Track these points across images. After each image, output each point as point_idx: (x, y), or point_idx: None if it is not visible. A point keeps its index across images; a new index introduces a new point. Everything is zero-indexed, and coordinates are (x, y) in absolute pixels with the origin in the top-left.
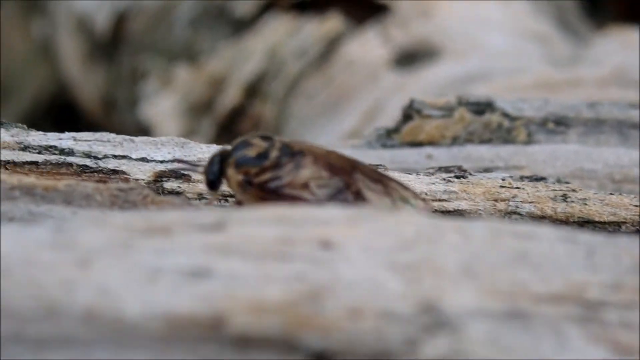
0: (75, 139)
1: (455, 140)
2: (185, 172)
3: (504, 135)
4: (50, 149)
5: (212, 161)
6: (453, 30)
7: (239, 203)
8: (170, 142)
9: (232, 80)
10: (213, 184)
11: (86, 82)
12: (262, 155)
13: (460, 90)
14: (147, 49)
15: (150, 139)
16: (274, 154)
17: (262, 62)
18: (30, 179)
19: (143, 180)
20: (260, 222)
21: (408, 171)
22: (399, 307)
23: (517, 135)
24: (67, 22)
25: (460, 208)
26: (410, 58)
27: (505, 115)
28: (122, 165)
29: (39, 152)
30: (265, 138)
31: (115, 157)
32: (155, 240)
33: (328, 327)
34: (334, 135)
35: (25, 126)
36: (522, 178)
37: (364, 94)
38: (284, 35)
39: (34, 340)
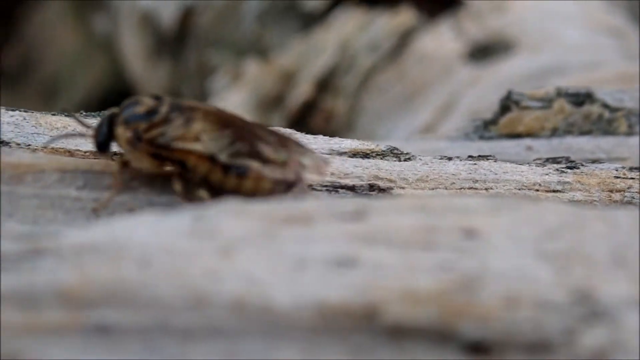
0: None
1: (554, 132)
2: (76, 136)
3: (604, 126)
4: None
5: (101, 123)
6: (527, 24)
7: (125, 164)
8: None
9: (303, 74)
10: (102, 145)
11: (150, 78)
12: (152, 112)
13: (535, 85)
14: (215, 43)
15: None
16: (163, 109)
17: (334, 57)
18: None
19: None
20: (401, 210)
21: (513, 162)
22: (553, 297)
23: (618, 126)
24: (131, 18)
25: (575, 199)
26: (484, 52)
27: (606, 106)
28: None
29: None
30: (154, 97)
31: None
32: (297, 230)
33: (484, 317)
34: (407, 129)
35: None
36: (631, 169)
37: (437, 88)
38: (355, 29)
39: (181, 330)
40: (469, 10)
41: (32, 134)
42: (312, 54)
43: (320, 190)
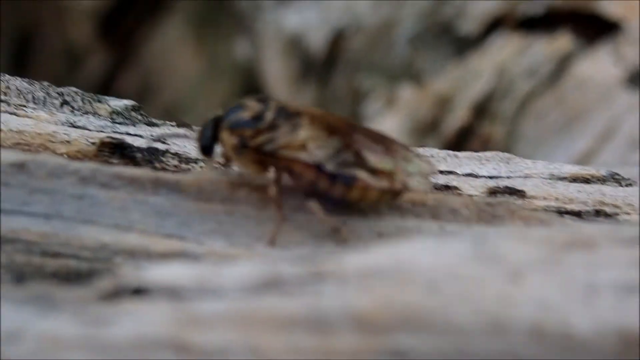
0: None
1: None
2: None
3: None
4: None
5: (205, 126)
6: None
7: (226, 162)
8: (494, 158)
9: (459, 99)
10: (206, 149)
11: (294, 101)
12: (257, 118)
13: None
14: (366, 68)
15: (474, 154)
16: (269, 115)
17: (490, 82)
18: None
19: (475, 196)
20: None
21: None
22: None
23: None
24: (276, 41)
25: None
26: None
27: None
28: (452, 181)
29: None
30: (260, 100)
31: (441, 172)
32: (581, 255)
33: None
34: (566, 156)
35: None
36: None
37: (597, 114)
38: (513, 54)
39: (481, 356)
40: (628, 35)
41: None
42: (468, 78)
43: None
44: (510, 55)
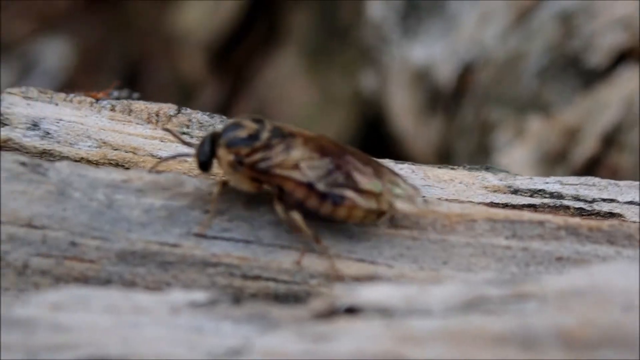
0: (561, 183)
1: None
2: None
3: None
4: (539, 192)
5: (203, 142)
6: None
7: (225, 183)
8: None
9: (588, 130)
10: (205, 165)
11: (420, 133)
12: (253, 137)
13: None
14: (495, 100)
15: (634, 183)
16: (264, 135)
17: (618, 113)
18: (576, 220)
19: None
20: None
21: None
22: None
23: None
24: (403, 74)
25: None
26: None
27: None
28: (615, 209)
29: (530, 196)
30: (256, 120)
31: (604, 200)
32: None
33: None
34: None
35: (509, 171)
36: None
37: None
38: None
39: None
40: None
41: (423, 185)
42: (596, 110)
43: None
44: (637, 87)
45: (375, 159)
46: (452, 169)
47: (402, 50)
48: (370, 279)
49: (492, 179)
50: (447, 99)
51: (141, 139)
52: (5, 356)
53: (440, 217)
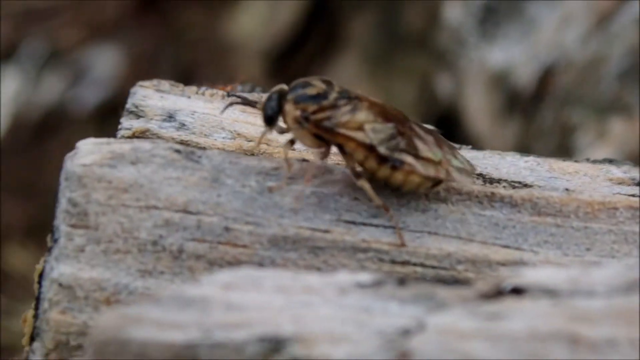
0: None
1: None
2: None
3: None
4: None
5: (270, 97)
6: None
7: (291, 143)
8: None
9: None
10: (270, 119)
11: (497, 135)
12: (321, 95)
13: None
14: (575, 102)
15: None
16: (332, 95)
17: None
18: None
19: None
20: None
21: None
22: None
23: None
24: (480, 77)
25: None
26: None
27: None
28: None
29: None
30: (325, 81)
31: None
32: None
33: None
34: None
35: (632, 163)
36: None
37: None
38: None
39: None
40: None
41: (549, 177)
42: None
43: None
44: None
45: (437, 132)
46: (575, 161)
47: (480, 53)
48: (516, 264)
49: (615, 171)
50: (526, 101)
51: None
52: (180, 335)
53: (582, 205)
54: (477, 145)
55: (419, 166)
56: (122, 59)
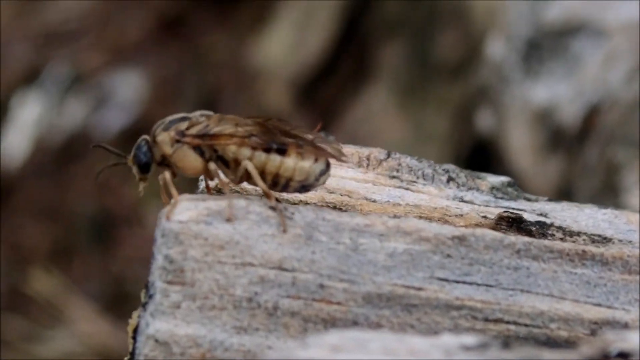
0: None
1: None
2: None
3: None
4: None
5: (138, 145)
6: None
7: (173, 174)
8: None
9: None
10: (146, 166)
11: (539, 172)
12: (186, 117)
13: None
14: (620, 141)
15: None
16: (195, 114)
17: None
18: None
19: None
20: None
21: None
22: None
23: None
24: (523, 114)
25: None
26: None
27: None
28: None
29: None
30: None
31: None
32: None
33: None
34: None
35: None
36: None
37: None
38: None
39: None
40: None
41: (627, 230)
42: None
43: None
44: None
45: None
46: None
47: (523, 90)
48: (608, 323)
49: None
50: (570, 139)
51: (354, 182)
52: None
53: None
54: (519, 182)
55: (306, 148)
56: (145, 83)
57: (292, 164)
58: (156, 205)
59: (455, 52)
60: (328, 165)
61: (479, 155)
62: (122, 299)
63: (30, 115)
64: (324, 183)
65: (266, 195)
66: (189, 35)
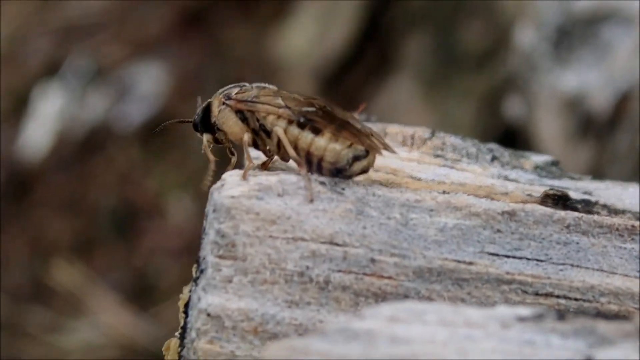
0: None
1: None
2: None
3: None
4: None
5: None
6: None
7: (215, 141)
8: None
9: None
10: (198, 126)
11: (570, 159)
12: (241, 85)
13: None
14: None
15: None
16: (253, 85)
17: None
18: None
19: None
20: None
21: None
22: None
23: None
24: (552, 101)
25: None
26: None
27: None
28: None
29: None
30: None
31: None
32: None
33: None
34: None
35: None
36: None
37: None
38: None
39: None
40: None
41: None
42: None
43: None
44: None
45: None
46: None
47: (553, 77)
48: None
49: None
50: (601, 126)
51: (399, 161)
52: None
53: None
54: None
55: (342, 132)
56: (166, 76)
57: (324, 143)
58: (177, 197)
59: (481, 42)
60: (366, 153)
61: (508, 144)
62: (144, 291)
63: (51, 109)
64: (362, 172)
65: (297, 163)
66: (210, 28)
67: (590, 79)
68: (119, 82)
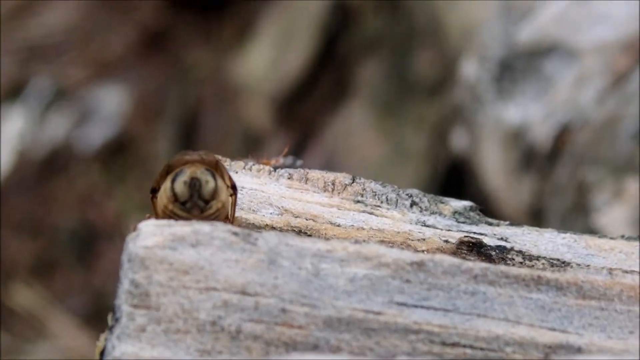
0: None
1: None
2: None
3: None
4: None
5: None
6: None
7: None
8: None
9: None
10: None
11: (511, 191)
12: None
13: None
14: (591, 161)
15: None
16: None
17: None
18: None
19: None
20: None
21: None
22: None
23: None
24: (496, 133)
25: None
26: None
27: None
28: None
29: None
30: None
31: None
32: None
33: None
34: None
35: None
36: None
37: None
38: None
39: None
40: None
41: (585, 254)
42: None
43: None
44: None
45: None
46: (611, 238)
47: (496, 110)
48: (562, 347)
49: None
50: (542, 159)
51: (319, 207)
52: None
53: (626, 289)
54: (492, 201)
55: None
56: (127, 98)
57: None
58: (138, 219)
59: (431, 71)
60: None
61: (455, 174)
62: (104, 313)
63: (13, 129)
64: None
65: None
66: (171, 50)
67: (532, 112)
68: (80, 103)
